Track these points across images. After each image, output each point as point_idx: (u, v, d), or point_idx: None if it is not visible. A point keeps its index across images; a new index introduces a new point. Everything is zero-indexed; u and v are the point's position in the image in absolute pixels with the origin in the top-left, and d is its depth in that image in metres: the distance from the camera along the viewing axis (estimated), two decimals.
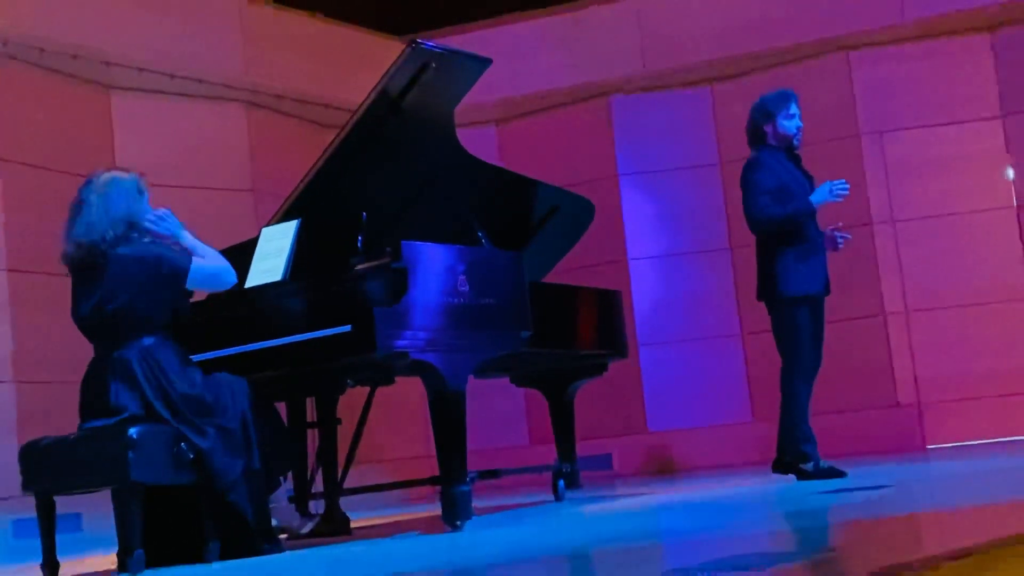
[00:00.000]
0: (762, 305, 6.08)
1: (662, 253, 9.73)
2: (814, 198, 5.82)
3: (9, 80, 7.66)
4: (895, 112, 9.14)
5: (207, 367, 4.63)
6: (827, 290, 5.93)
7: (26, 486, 4.51)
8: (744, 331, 9.48)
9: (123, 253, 4.44)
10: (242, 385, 4.50)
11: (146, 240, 4.53)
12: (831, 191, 5.80)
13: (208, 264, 4.53)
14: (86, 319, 4.51)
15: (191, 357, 4.60)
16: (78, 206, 4.51)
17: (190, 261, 4.48)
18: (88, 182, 4.57)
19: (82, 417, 4.48)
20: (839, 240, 5.95)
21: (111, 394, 4.35)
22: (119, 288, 4.42)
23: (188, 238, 4.60)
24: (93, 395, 4.43)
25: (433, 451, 4.83)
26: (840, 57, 9.24)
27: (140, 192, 4.57)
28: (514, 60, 9.08)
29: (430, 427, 4.86)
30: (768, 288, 5.88)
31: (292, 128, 9.33)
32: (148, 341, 4.43)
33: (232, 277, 4.59)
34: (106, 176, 4.57)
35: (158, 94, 8.54)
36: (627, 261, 9.66)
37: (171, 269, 4.45)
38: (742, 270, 9.26)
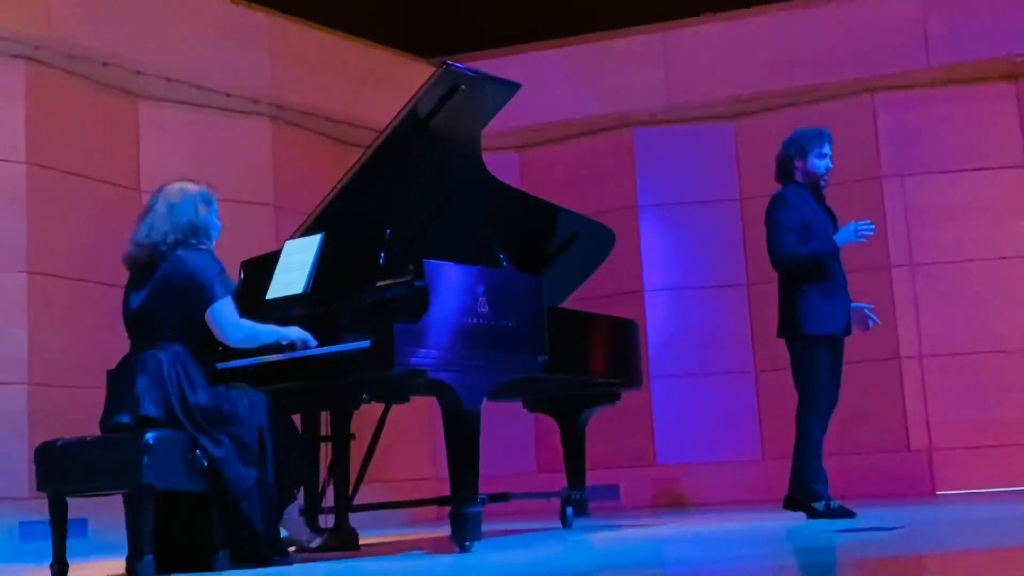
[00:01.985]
0: (776, 342, 6.08)
1: (678, 286, 9.73)
2: (839, 238, 5.84)
3: (39, 85, 7.72)
4: (918, 156, 9.15)
5: (228, 376, 4.67)
6: (848, 330, 5.93)
7: (40, 486, 4.52)
8: (757, 368, 9.47)
9: (180, 254, 4.55)
10: (261, 397, 4.54)
11: (205, 248, 4.63)
12: (856, 231, 5.81)
13: (228, 317, 4.53)
14: (133, 314, 4.60)
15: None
16: (144, 212, 4.67)
17: (220, 297, 4.51)
18: (159, 190, 4.72)
19: (106, 409, 4.51)
20: (870, 323, 5.98)
21: (137, 390, 4.39)
22: (167, 288, 4.52)
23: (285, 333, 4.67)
24: (119, 389, 4.48)
25: (439, 473, 4.85)
26: (865, 99, 9.26)
27: (207, 203, 4.70)
28: (539, 87, 9.10)
29: (437, 449, 4.87)
30: (790, 325, 5.88)
31: (316, 145, 9.38)
32: (180, 346, 4.49)
33: (240, 345, 4.61)
34: (176, 186, 4.71)
35: (186, 105, 8.60)
36: (643, 292, 9.66)
37: (202, 297, 4.51)
38: (758, 306, 9.27)
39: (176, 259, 4.54)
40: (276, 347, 4.72)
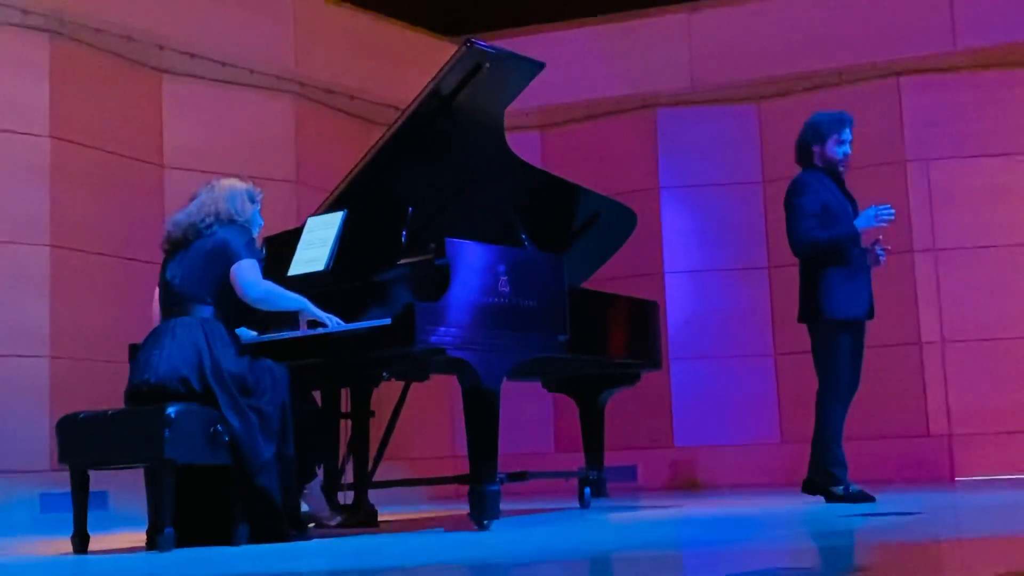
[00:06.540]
0: (796, 326, 6.06)
1: (699, 268, 9.71)
2: (859, 223, 5.81)
3: (63, 59, 7.74)
4: (942, 140, 9.09)
5: (250, 351, 4.69)
6: (870, 314, 5.90)
7: (61, 458, 4.55)
8: (777, 351, 9.45)
9: (215, 229, 4.66)
10: (284, 373, 4.57)
11: (239, 226, 4.72)
12: (876, 216, 5.78)
13: (249, 275, 4.60)
14: (167, 287, 4.68)
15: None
16: (188, 201, 4.81)
17: (244, 257, 4.58)
18: (208, 183, 4.85)
19: (133, 374, 4.57)
20: (880, 255, 5.91)
21: (167, 352, 4.44)
22: (198, 257, 4.62)
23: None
24: (148, 353, 4.52)
25: (458, 452, 4.85)
26: (890, 82, 9.21)
27: (251, 200, 4.84)
28: (562, 67, 9.08)
29: (456, 428, 4.87)
30: (811, 310, 5.86)
31: (338, 123, 9.39)
32: (210, 312, 4.57)
33: (258, 304, 4.64)
34: (224, 181, 4.85)
35: (209, 81, 8.61)
36: (663, 274, 9.65)
37: (229, 259, 4.60)
38: (778, 290, 9.24)
39: (211, 233, 4.66)
40: (298, 323, 4.74)
